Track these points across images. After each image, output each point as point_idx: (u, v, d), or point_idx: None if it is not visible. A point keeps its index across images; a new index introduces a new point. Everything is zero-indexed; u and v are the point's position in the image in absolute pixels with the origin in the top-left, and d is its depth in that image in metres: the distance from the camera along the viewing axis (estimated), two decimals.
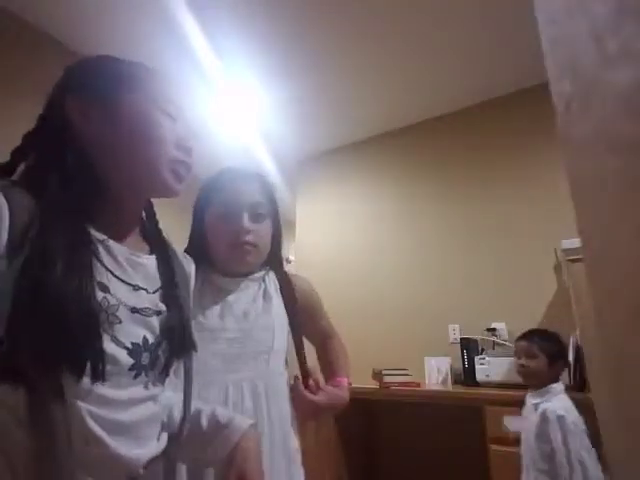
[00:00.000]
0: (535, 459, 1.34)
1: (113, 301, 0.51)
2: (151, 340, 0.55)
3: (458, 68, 2.42)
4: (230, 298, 0.89)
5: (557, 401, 1.38)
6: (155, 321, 0.56)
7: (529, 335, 1.57)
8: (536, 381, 1.44)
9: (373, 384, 2.31)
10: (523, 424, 1.48)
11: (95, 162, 0.55)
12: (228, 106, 2.65)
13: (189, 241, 0.95)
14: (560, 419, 1.30)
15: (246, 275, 0.93)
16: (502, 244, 2.47)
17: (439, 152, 2.82)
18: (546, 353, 1.46)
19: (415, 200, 2.84)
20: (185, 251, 0.92)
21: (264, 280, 0.95)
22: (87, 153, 0.54)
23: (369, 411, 2.64)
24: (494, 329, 2.27)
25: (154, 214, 0.67)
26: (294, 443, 0.87)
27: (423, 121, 2.91)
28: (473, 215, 2.60)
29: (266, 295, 0.94)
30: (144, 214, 0.65)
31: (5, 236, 0.44)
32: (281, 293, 0.96)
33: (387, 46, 2.24)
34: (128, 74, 0.58)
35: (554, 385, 1.43)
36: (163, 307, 0.58)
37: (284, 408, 0.87)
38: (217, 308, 0.86)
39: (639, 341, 0.19)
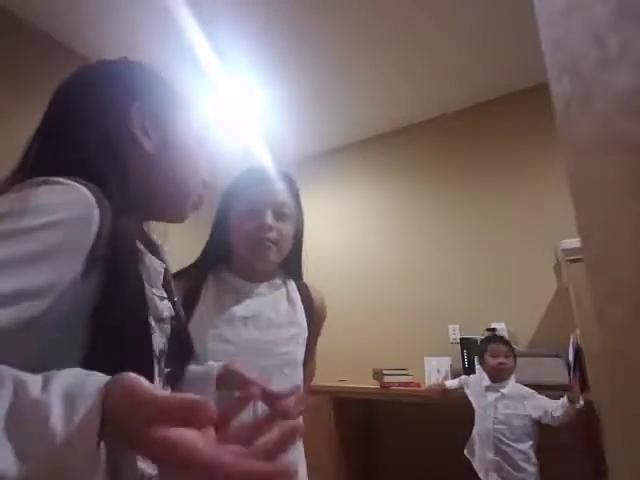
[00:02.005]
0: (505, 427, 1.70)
1: (152, 313, 0.51)
2: (165, 346, 0.56)
3: (458, 68, 2.42)
4: (253, 306, 0.86)
5: (519, 386, 1.79)
6: (168, 328, 0.57)
7: (501, 339, 1.92)
8: (507, 376, 1.81)
9: (373, 384, 2.31)
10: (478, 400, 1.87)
11: (153, 176, 0.53)
12: (228, 106, 2.65)
13: (208, 241, 0.94)
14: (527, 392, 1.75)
15: (266, 280, 0.92)
16: (502, 244, 2.47)
17: (439, 152, 2.82)
18: (513, 355, 1.84)
19: (415, 200, 2.84)
20: (203, 253, 0.93)
21: (286, 286, 0.95)
22: (141, 164, 0.52)
23: (369, 411, 2.64)
24: (494, 329, 2.27)
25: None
26: (302, 455, 0.86)
27: (423, 121, 2.91)
28: (473, 215, 2.60)
29: (290, 302, 0.93)
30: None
31: (89, 246, 0.41)
32: (302, 303, 0.95)
33: (387, 46, 2.24)
34: (180, 97, 0.58)
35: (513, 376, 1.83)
36: (173, 314, 0.59)
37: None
38: (240, 318, 0.84)
39: (639, 341, 0.19)
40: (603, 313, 0.22)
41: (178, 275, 0.88)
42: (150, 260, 0.54)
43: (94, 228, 0.41)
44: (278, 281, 0.94)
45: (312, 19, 2.06)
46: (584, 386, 1.77)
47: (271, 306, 0.89)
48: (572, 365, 1.86)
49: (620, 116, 0.20)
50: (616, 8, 0.20)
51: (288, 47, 2.22)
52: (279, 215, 0.88)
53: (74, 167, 0.44)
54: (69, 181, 0.41)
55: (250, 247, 0.86)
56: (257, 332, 0.84)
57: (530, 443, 1.66)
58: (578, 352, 1.84)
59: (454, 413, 2.27)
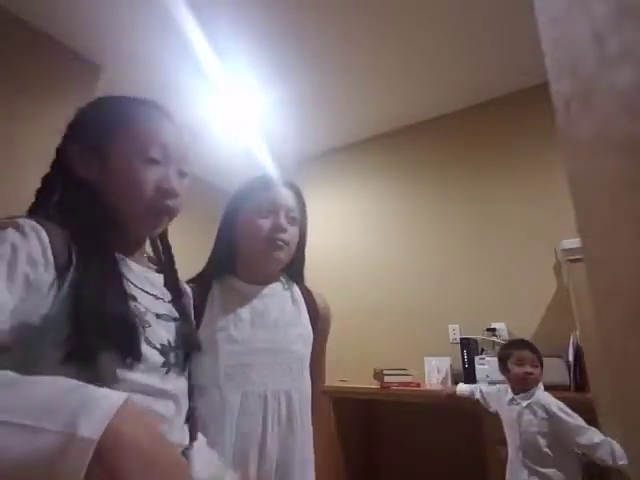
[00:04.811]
0: (532, 446, 1.49)
1: (142, 308, 0.59)
2: (173, 343, 0.63)
3: (458, 68, 2.42)
4: (259, 307, 0.89)
5: (546, 396, 1.57)
6: (172, 326, 0.65)
7: (529, 346, 1.69)
8: (534, 386, 1.59)
9: (374, 384, 2.31)
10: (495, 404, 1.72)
11: (102, 199, 0.62)
12: (228, 106, 2.65)
13: (214, 247, 0.96)
14: (553, 406, 1.51)
15: (271, 283, 0.94)
16: (502, 244, 2.47)
17: (439, 152, 2.82)
18: (541, 363, 1.64)
19: (415, 200, 2.84)
20: (209, 260, 0.95)
21: (290, 289, 0.97)
22: (94, 191, 0.62)
23: (369, 411, 2.64)
24: (494, 329, 2.27)
25: (169, 245, 0.75)
26: (311, 453, 0.89)
27: (423, 121, 2.91)
28: (473, 215, 2.60)
29: (295, 304, 0.95)
30: (160, 243, 0.74)
31: (51, 258, 0.50)
32: (306, 307, 0.97)
33: (387, 46, 2.24)
34: (119, 121, 0.63)
35: (540, 385, 1.62)
36: (177, 314, 0.67)
37: (309, 417, 0.89)
38: (247, 319, 0.87)
39: (639, 341, 0.19)
40: (603, 313, 0.22)
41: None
42: (134, 266, 0.63)
43: (44, 244, 0.50)
44: (282, 284, 0.96)
45: (312, 19, 2.06)
46: (584, 386, 1.77)
47: (277, 307, 0.91)
48: (572, 365, 1.87)
49: (620, 116, 0.20)
50: (616, 8, 0.20)
51: (288, 47, 2.22)
52: (289, 218, 0.92)
53: (36, 207, 0.61)
54: (17, 220, 0.51)
55: (263, 246, 0.89)
56: (264, 332, 0.87)
57: (562, 470, 1.41)
58: (578, 352, 1.84)
59: (454, 413, 2.28)
